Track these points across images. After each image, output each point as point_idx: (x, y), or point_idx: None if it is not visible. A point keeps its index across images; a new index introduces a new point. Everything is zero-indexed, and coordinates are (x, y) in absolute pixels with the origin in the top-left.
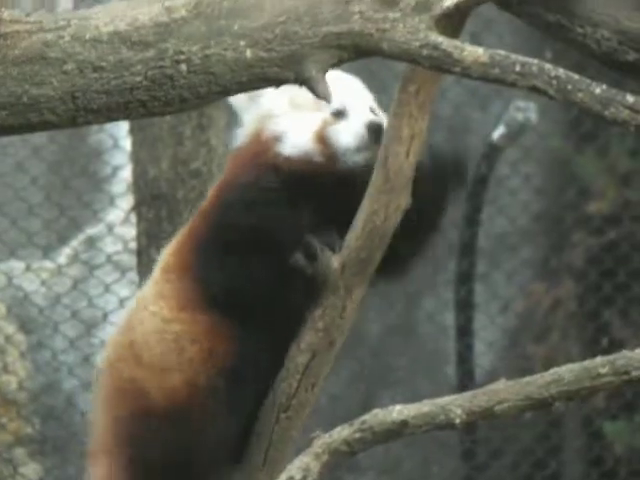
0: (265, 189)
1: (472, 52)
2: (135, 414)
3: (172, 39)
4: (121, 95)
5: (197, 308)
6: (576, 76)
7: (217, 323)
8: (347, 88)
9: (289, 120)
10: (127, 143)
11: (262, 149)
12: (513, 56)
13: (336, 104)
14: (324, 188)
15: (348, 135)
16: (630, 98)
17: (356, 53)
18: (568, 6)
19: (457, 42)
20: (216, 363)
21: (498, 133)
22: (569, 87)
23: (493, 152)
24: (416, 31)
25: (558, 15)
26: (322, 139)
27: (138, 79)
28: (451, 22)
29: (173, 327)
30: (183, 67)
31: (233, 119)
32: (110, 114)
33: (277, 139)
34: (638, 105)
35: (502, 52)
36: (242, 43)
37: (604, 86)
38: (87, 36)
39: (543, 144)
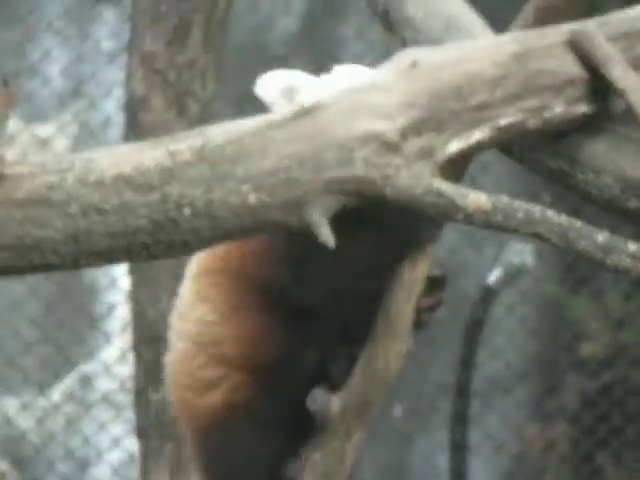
0: None
1: (475, 199)
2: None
3: (176, 183)
4: (124, 238)
5: (250, 309)
6: (578, 223)
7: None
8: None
9: None
10: (122, 282)
11: None
12: (516, 203)
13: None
14: None
15: None
16: (632, 246)
17: (360, 198)
18: (570, 152)
19: (461, 188)
20: (255, 367)
21: (494, 276)
22: (571, 234)
23: (489, 296)
24: (420, 177)
25: (560, 161)
26: None
27: (142, 222)
28: (454, 167)
29: (216, 329)
30: (187, 211)
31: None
32: (113, 256)
33: None
34: None
35: (505, 198)
36: (246, 188)
37: (606, 233)
38: (91, 179)
39: (539, 287)
